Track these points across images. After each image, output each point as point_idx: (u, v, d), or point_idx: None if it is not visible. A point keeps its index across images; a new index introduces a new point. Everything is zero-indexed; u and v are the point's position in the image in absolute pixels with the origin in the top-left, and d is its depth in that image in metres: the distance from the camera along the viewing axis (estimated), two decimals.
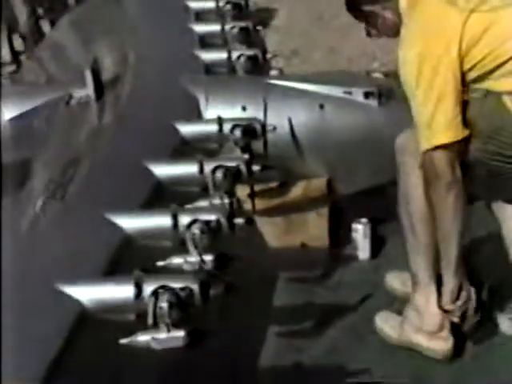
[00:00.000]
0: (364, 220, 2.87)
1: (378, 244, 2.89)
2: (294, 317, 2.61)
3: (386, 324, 2.49)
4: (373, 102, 2.74)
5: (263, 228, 2.78)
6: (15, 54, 5.43)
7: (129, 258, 1.89)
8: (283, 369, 2.37)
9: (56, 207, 2.03)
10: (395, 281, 2.65)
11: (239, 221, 1.96)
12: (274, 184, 2.74)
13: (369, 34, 2.53)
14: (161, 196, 2.16)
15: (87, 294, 1.69)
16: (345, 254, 2.89)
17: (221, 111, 2.52)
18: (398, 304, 2.57)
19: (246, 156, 2.27)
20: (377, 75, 4.18)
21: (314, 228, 2.84)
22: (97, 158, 2.28)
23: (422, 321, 2.40)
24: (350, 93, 2.75)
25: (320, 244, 2.86)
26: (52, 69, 3.44)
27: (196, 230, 1.89)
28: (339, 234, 2.90)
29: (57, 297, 1.68)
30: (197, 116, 2.67)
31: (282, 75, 3.08)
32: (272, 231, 2.80)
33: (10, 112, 2.73)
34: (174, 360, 1.83)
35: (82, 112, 2.67)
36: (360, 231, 2.87)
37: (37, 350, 1.58)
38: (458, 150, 2.28)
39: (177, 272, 1.81)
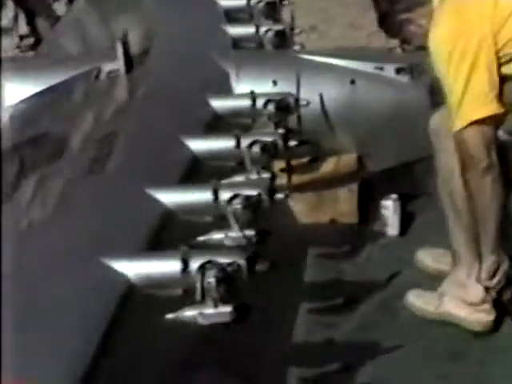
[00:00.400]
0: (394, 196, 2.86)
1: (407, 220, 2.89)
2: (324, 293, 2.61)
3: (419, 299, 2.49)
4: (404, 78, 2.73)
5: (293, 204, 2.77)
6: (33, 27, 5.39)
7: (170, 233, 1.89)
8: (315, 344, 2.37)
9: (95, 182, 2.01)
10: (426, 257, 2.65)
11: (280, 196, 1.95)
12: (305, 160, 2.73)
13: (403, 48, 2.51)
14: (197, 171, 2.15)
15: (133, 268, 1.68)
16: (374, 230, 2.88)
17: (251, 86, 2.50)
18: (428, 280, 2.57)
19: (282, 131, 2.26)
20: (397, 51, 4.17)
21: (344, 204, 2.84)
22: (132, 133, 2.27)
23: (464, 293, 2.41)
24: (381, 68, 2.74)
25: (349, 220, 2.86)
26: (73, 45, 3.42)
27: (237, 204, 1.88)
28: (369, 210, 2.90)
29: (103, 271, 1.67)
30: (228, 91, 2.65)
31: (311, 50, 3.05)
32: (302, 207, 2.80)
33: (38, 85, 2.71)
34: (217, 331, 1.83)
35: (113, 86, 2.66)
36: (389, 207, 2.86)
37: (84, 325, 1.57)
38: (493, 129, 2.27)
39: (220, 247, 1.81)
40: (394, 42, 4.74)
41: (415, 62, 2.74)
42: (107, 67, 2.73)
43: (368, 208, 2.90)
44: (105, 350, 1.54)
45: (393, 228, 2.87)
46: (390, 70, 2.72)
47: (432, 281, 2.56)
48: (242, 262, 1.66)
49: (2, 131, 2.50)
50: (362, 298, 2.57)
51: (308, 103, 2.47)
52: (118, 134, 2.25)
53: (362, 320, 2.49)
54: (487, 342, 2.39)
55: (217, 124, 2.38)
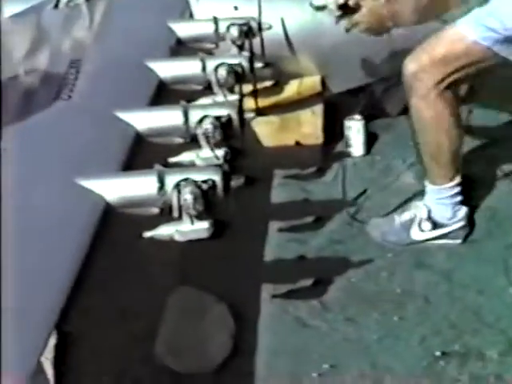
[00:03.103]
0: (357, 117, 2.90)
1: (371, 140, 2.93)
2: (293, 212, 2.66)
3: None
4: None
5: (257, 127, 2.80)
6: None
7: (141, 155, 1.90)
8: (287, 261, 2.43)
9: (63, 106, 2.01)
10: None
11: (249, 116, 1.98)
12: (268, 83, 2.74)
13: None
14: (164, 95, 2.16)
15: (109, 188, 1.69)
16: (339, 150, 2.93)
17: (212, 12, 2.50)
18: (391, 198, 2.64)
19: (247, 53, 2.28)
20: None
21: (308, 126, 2.87)
22: (96, 60, 2.26)
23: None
24: None
25: (314, 142, 2.89)
26: None
27: (208, 125, 1.90)
28: (333, 131, 2.93)
29: (78, 192, 1.69)
30: (189, 17, 2.65)
31: None
32: (267, 131, 2.83)
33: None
34: (190, 251, 1.87)
35: (73, 14, 2.64)
36: (353, 128, 2.90)
37: (63, 247, 1.59)
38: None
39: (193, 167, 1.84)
40: None
41: None
42: None
43: (333, 129, 2.94)
44: (84, 270, 1.57)
45: (357, 148, 2.92)
46: None
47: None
48: (217, 178, 1.69)
49: None
50: (329, 216, 2.62)
51: (270, 27, 2.48)
52: (84, 60, 2.24)
53: (331, 236, 2.55)
54: (451, 251, 2.47)
55: (180, 49, 2.38)
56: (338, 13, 2.45)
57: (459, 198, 2.50)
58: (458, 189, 2.48)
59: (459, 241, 2.50)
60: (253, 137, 2.80)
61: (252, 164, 2.56)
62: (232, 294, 2.22)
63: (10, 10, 2.67)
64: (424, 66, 2.34)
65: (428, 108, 2.36)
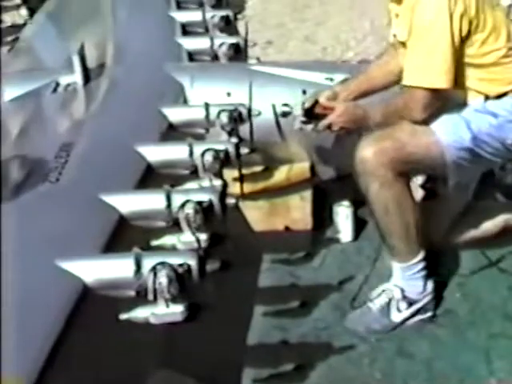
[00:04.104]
0: (345, 203, 2.94)
1: (359, 226, 2.96)
2: (279, 297, 2.68)
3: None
4: None
5: (247, 211, 2.84)
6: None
7: (123, 237, 1.94)
8: (270, 346, 2.44)
9: (51, 189, 2.06)
10: None
11: (231, 201, 2.02)
12: (258, 168, 2.80)
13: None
14: (151, 178, 2.21)
15: (87, 270, 1.73)
16: (327, 236, 2.96)
17: (206, 98, 2.57)
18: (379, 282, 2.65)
19: (235, 139, 2.34)
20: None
21: (297, 211, 2.90)
22: (87, 143, 2.32)
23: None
24: (331, 79, 2.82)
25: (303, 227, 2.92)
26: (33, 59, 3.46)
27: (189, 209, 1.95)
28: (323, 216, 2.97)
29: (57, 274, 1.73)
30: (182, 102, 2.72)
31: (264, 62, 3.13)
32: (256, 215, 2.86)
33: None
34: (171, 334, 1.89)
35: (70, 98, 2.72)
36: (342, 214, 2.94)
37: (39, 326, 1.62)
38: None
39: (173, 251, 1.87)
40: (349, 55, 4.90)
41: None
42: (65, 80, 2.79)
43: (322, 215, 2.97)
44: (59, 350, 1.59)
45: (346, 234, 2.95)
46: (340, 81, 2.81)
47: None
48: (192, 262, 1.72)
49: None
50: (315, 302, 2.64)
51: (260, 113, 2.55)
52: (75, 143, 2.30)
53: (316, 323, 2.56)
54: (433, 339, 2.47)
55: (171, 134, 2.44)
56: (303, 119, 2.53)
57: (427, 271, 2.54)
58: (424, 262, 2.52)
59: (430, 313, 2.55)
60: (242, 221, 2.84)
61: (241, 248, 2.61)
62: (213, 377, 2.22)
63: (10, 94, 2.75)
64: (385, 152, 2.41)
65: (389, 190, 2.41)
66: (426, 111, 2.43)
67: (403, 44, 2.50)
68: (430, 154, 2.45)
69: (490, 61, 2.45)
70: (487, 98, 2.47)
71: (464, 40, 2.40)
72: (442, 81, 2.39)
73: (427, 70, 2.39)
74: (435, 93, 2.40)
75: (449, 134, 2.45)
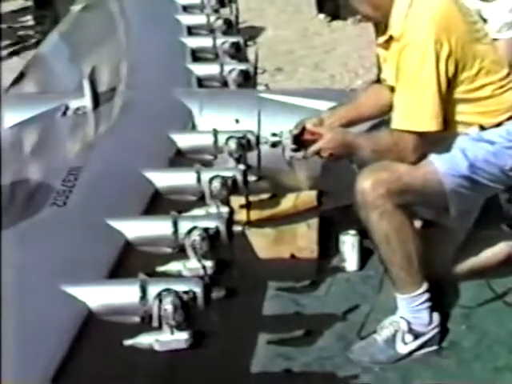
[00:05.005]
0: (352, 232, 2.94)
1: (365, 255, 2.96)
2: (283, 325, 2.67)
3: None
4: None
5: (253, 239, 2.84)
6: None
7: (130, 263, 1.94)
8: (273, 375, 2.43)
9: (57, 213, 2.06)
10: None
11: (237, 229, 2.02)
12: (265, 196, 2.80)
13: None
14: (159, 204, 2.21)
15: (92, 295, 1.73)
16: (333, 265, 2.95)
17: (214, 124, 2.57)
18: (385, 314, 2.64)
19: (242, 166, 2.34)
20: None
21: (303, 240, 2.91)
22: (96, 167, 2.32)
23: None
24: None
25: (309, 255, 2.92)
26: (41, 82, 3.48)
27: (196, 236, 1.94)
28: (329, 245, 2.97)
29: (62, 299, 1.72)
30: (191, 128, 2.73)
31: (274, 89, 3.14)
32: (262, 242, 2.86)
33: (6, 121, 2.77)
34: (176, 361, 1.88)
35: (79, 122, 2.72)
36: (348, 243, 2.93)
37: (43, 351, 1.62)
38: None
39: (179, 277, 1.87)
40: (358, 83, 4.92)
41: None
42: (74, 104, 2.80)
43: (328, 243, 2.97)
44: (63, 374, 1.59)
45: (351, 263, 2.95)
46: None
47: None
48: (197, 290, 1.72)
49: None
50: (320, 331, 2.63)
51: (267, 141, 2.55)
52: (83, 168, 2.31)
53: (320, 352, 2.55)
54: (439, 370, 2.46)
55: (179, 160, 2.45)
56: (293, 146, 2.53)
57: (432, 303, 2.53)
58: (428, 293, 2.52)
59: (435, 347, 2.54)
60: (248, 248, 2.84)
61: (246, 275, 2.61)
62: None
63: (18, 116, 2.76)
64: (382, 183, 2.42)
65: (389, 220, 2.41)
66: (415, 154, 2.45)
67: (393, 88, 2.52)
68: (427, 183, 2.47)
69: (483, 95, 2.48)
70: (482, 128, 2.48)
71: (452, 80, 2.42)
72: (431, 124, 2.41)
73: (416, 114, 2.42)
74: (424, 136, 2.42)
75: (445, 162, 2.47)
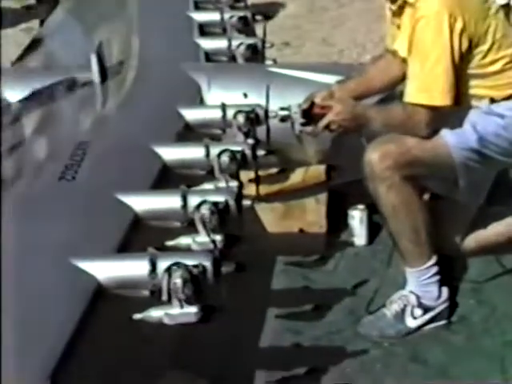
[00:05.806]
0: (361, 206, 2.93)
1: (374, 230, 2.95)
2: (292, 300, 2.67)
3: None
4: None
5: (262, 213, 2.83)
6: None
7: (139, 238, 1.94)
8: (282, 349, 2.43)
9: (66, 187, 2.06)
10: None
11: (246, 203, 2.01)
12: (274, 170, 2.79)
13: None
14: (167, 178, 2.20)
15: (102, 269, 1.73)
16: (342, 239, 2.95)
17: (222, 98, 2.56)
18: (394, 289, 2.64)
19: (251, 141, 2.33)
20: None
21: (312, 214, 2.90)
22: (104, 141, 2.32)
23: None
24: None
25: (317, 230, 2.91)
26: (51, 56, 3.47)
27: (205, 210, 1.94)
28: (338, 220, 2.96)
29: (72, 272, 1.72)
30: (199, 103, 2.72)
31: (282, 63, 3.12)
32: (271, 217, 2.85)
33: (14, 95, 2.76)
34: (185, 335, 1.88)
35: (87, 96, 2.71)
36: (356, 217, 2.93)
37: (52, 324, 1.62)
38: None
39: (188, 251, 1.86)
40: (366, 58, 4.88)
41: None
42: (82, 78, 2.78)
43: (337, 218, 2.96)
44: (72, 348, 1.59)
45: (360, 238, 2.94)
46: None
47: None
48: (207, 263, 1.72)
49: None
50: (328, 306, 2.63)
51: (276, 115, 2.54)
52: (91, 142, 2.30)
53: (329, 326, 2.55)
54: (448, 345, 2.46)
55: (187, 134, 2.44)
56: (302, 120, 2.51)
57: (440, 277, 2.54)
58: (437, 267, 2.52)
59: (444, 321, 2.54)
60: (257, 222, 2.83)
61: (255, 249, 2.60)
62: (225, 379, 2.22)
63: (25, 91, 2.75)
64: (390, 155, 2.42)
65: (397, 192, 2.41)
66: (428, 128, 2.44)
67: (404, 60, 2.51)
68: (436, 156, 2.46)
69: (494, 69, 2.48)
70: (493, 101, 2.47)
71: (465, 55, 2.41)
72: (445, 99, 2.40)
73: (430, 88, 2.40)
74: (438, 110, 2.41)
75: (454, 136, 2.47)
